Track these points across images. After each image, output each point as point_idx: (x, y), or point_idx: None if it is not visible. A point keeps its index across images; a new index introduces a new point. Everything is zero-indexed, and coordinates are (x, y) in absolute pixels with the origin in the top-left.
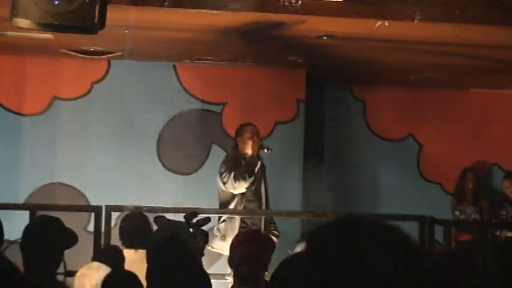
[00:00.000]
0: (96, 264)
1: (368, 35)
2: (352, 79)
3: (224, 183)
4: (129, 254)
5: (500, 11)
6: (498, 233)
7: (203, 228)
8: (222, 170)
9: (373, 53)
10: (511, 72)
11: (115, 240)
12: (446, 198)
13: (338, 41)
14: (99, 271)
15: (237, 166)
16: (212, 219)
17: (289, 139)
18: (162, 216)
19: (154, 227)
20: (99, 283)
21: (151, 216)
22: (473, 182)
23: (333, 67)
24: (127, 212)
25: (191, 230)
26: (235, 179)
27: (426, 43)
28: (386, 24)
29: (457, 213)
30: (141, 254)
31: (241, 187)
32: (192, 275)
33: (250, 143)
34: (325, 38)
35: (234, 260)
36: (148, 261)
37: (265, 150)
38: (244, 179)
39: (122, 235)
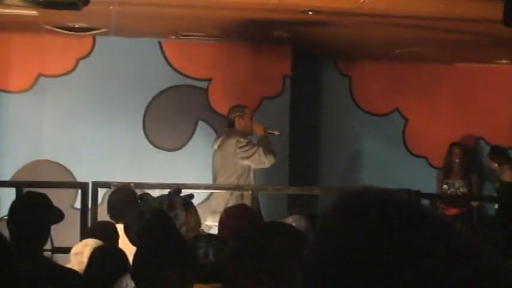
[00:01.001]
0: (91, 241)
1: (353, 10)
2: (338, 54)
3: (248, 157)
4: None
5: None
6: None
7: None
8: (243, 143)
9: (358, 28)
10: (497, 46)
11: (102, 216)
12: (432, 172)
13: (323, 15)
14: None
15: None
16: (198, 195)
17: (275, 114)
18: (147, 193)
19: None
20: None
21: (138, 193)
22: (460, 156)
23: (319, 42)
24: (115, 187)
25: (176, 206)
26: (266, 153)
27: (411, 17)
28: None
29: (445, 186)
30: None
31: (269, 162)
32: (178, 247)
33: (256, 125)
34: (310, 13)
35: (224, 235)
36: (127, 234)
37: (276, 134)
38: (274, 155)
39: (111, 209)
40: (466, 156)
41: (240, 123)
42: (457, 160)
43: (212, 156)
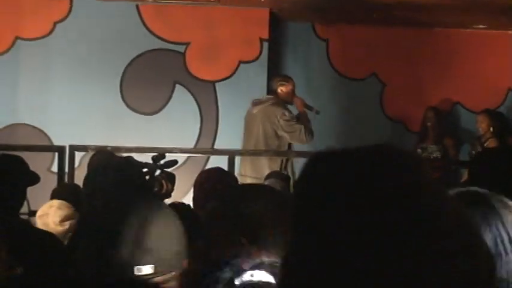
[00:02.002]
0: (56, 202)
1: None
2: (316, 18)
3: (289, 132)
4: None
5: None
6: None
7: (171, 170)
8: (288, 117)
9: None
10: (475, 10)
11: (79, 180)
12: (410, 137)
13: None
14: (61, 208)
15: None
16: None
17: (252, 78)
18: (130, 157)
19: None
20: (62, 220)
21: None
22: (432, 120)
23: (296, 6)
24: (94, 151)
25: (159, 171)
26: (307, 132)
27: None
28: None
29: (419, 151)
30: None
31: (308, 141)
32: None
33: (296, 97)
34: None
35: (199, 197)
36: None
37: (314, 111)
38: (313, 134)
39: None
40: (442, 121)
41: (282, 92)
42: (429, 124)
43: (245, 118)
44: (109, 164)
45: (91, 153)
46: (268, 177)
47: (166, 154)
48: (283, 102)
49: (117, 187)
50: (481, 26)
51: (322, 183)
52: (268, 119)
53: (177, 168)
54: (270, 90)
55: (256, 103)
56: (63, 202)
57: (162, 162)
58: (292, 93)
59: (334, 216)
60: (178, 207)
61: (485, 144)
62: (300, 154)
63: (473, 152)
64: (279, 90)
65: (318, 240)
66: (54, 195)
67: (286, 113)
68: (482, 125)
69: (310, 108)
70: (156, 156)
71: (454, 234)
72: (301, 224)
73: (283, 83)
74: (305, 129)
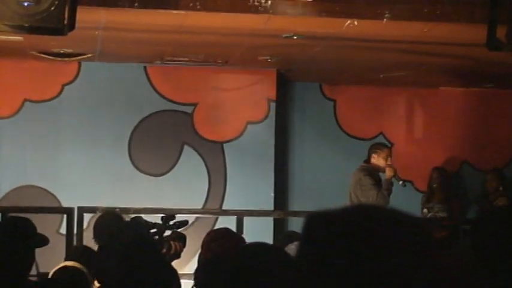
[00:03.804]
0: (69, 263)
1: (337, 34)
2: (323, 78)
3: (363, 196)
4: None
5: (469, 9)
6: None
7: (180, 231)
8: (364, 183)
9: (343, 52)
10: (481, 69)
11: (88, 241)
12: (418, 196)
13: (308, 40)
14: None
15: (377, 183)
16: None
17: (260, 139)
18: (139, 217)
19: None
20: None
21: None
22: (437, 181)
23: (304, 66)
24: (101, 213)
25: (168, 232)
26: (379, 198)
27: (395, 41)
28: (356, 23)
29: (425, 210)
30: None
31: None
32: (154, 270)
33: (389, 168)
34: (295, 37)
35: (206, 257)
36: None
37: (400, 183)
38: (387, 201)
39: (97, 234)
40: (447, 180)
41: (373, 160)
42: (434, 185)
43: None
44: (122, 225)
45: (99, 215)
46: (290, 240)
47: (176, 215)
48: (371, 169)
49: (129, 249)
50: (488, 85)
51: (316, 246)
52: (354, 183)
53: (185, 229)
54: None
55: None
56: (75, 263)
57: (171, 222)
58: (384, 161)
59: (332, 279)
60: None
61: (494, 203)
62: None
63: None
64: (371, 158)
65: None
66: (68, 257)
67: (364, 181)
68: (491, 184)
69: (398, 179)
70: (166, 216)
71: None
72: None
73: (377, 151)
74: (377, 196)
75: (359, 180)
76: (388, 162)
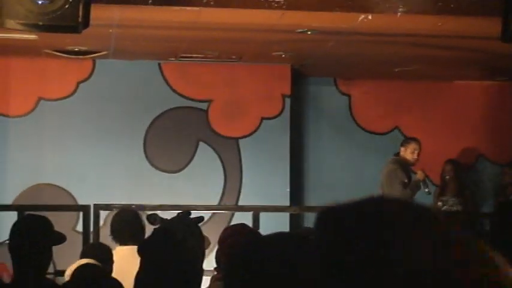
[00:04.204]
0: (85, 261)
1: (351, 29)
2: (337, 73)
3: (390, 188)
4: (121, 250)
5: (483, 2)
6: None
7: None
8: (399, 175)
9: (357, 47)
10: (495, 62)
11: (104, 239)
12: (434, 190)
13: (322, 35)
14: None
15: (407, 180)
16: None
17: (275, 134)
18: (155, 214)
19: (147, 225)
20: None
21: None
22: (450, 173)
23: (318, 61)
24: (117, 210)
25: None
26: (402, 196)
27: (410, 35)
28: (370, 17)
29: (439, 203)
30: (134, 249)
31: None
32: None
33: (420, 172)
34: (309, 32)
35: (223, 253)
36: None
37: (426, 190)
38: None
39: (114, 231)
40: (462, 173)
41: (402, 153)
42: (447, 177)
43: None
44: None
45: (115, 212)
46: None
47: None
48: (402, 162)
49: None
50: (503, 78)
51: (327, 240)
52: (386, 173)
53: (201, 225)
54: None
55: None
56: (91, 261)
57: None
58: (411, 155)
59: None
60: None
61: (510, 196)
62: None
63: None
64: (400, 151)
65: None
66: (83, 255)
67: (397, 173)
68: (507, 177)
69: (425, 185)
70: (182, 213)
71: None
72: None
73: (405, 144)
74: (401, 193)
75: (393, 171)
76: (415, 156)
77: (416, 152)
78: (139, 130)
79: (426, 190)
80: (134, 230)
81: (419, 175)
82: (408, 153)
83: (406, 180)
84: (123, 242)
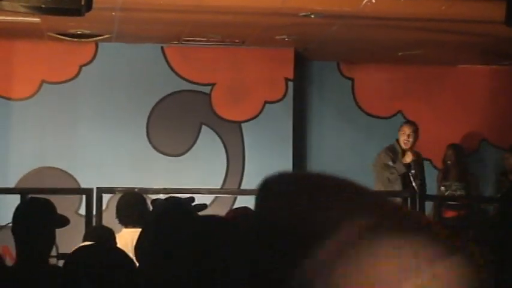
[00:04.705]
0: (88, 244)
1: (355, 13)
2: (340, 57)
3: (374, 171)
4: (126, 232)
5: None
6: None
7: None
8: (378, 159)
9: (360, 31)
10: (499, 47)
11: (107, 222)
12: (437, 174)
13: (325, 19)
14: None
15: (389, 160)
16: (201, 200)
17: (278, 118)
18: (159, 198)
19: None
20: None
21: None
22: (452, 158)
23: (321, 45)
24: (119, 193)
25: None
26: (378, 179)
27: (413, 20)
28: (373, 1)
29: (442, 188)
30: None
31: (380, 187)
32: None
33: (408, 154)
34: (312, 16)
35: None
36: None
37: (411, 172)
38: (389, 182)
39: (119, 213)
40: (463, 158)
41: (399, 137)
42: (449, 162)
43: None
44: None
45: (118, 195)
46: None
47: (195, 196)
48: (392, 147)
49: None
50: (506, 62)
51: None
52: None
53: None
54: None
55: None
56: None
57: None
58: (402, 137)
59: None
60: None
61: None
62: None
63: (502, 188)
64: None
65: None
66: (87, 237)
67: (376, 157)
68: (510, 162)
69: (409, 168)
70: (185, 199)
71: None
72: None
73: (400, 129)
74: (380, 176)
75: (378, 155)
76: (406, 139)
77: (405, 134)
78: (142, 113)
79: (412, 172)
80: (140, 213)
81: (407, 157)
82: (400, 135)
83: (389, 163)
84: (128, 224)
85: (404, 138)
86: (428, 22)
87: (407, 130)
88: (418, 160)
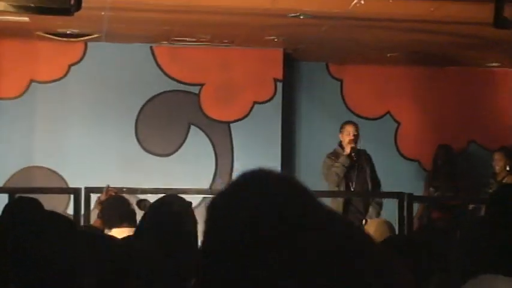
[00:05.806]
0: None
1: (344, 14)
2: (329, 58)
3: (324, 173)
4: (115, 232)
5: None
6: None
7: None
8: (324, 163)
9: (349, 32)
10: (487, 48)
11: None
12: (425, 176)
13: (314, 19)
14: None
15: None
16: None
17: (267, 119)
18: (145, 199)
19: (136, 209)
20: None
21: (131, 198)
22: (442, 158)
23: (310, 46)
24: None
25: None
26: (329, 177)
27: (402, 21)
28: (362, 2)
29: (431, 189)
30: (126, 231)
31: (330, 184)
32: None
33: (347, 145)
34: (301, 17)
35: None
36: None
37: (353, 154)
38: (337, 178)
39: (103, 216)
40: (453, 159)
41: (342, 137)
42: (439, 162)
43: None
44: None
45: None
46: None
47: (183, 196)
48: (335, 150)
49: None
50: (494, 64)
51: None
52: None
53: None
54: None
55: None
56: None
57: None
58: (344, 137)
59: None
60: None
61: (502, 182)
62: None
63: (490, 190)
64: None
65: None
66: None
67: (323, 163)
68: (499, 163)
69: (351, 158)
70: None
71: None
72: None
73: (341, 129)
74: (328, 175)
75: (325, 158)
76: (351, 137)
77: (351, 134)
78: (131, 113)
79: (353, 154)
80: (122, 216)
81: (347, 148)
82: (343, 136)
83: (332, 158)
84: (111, 226)
85: (350, 137)
86: (417, 23)
87: (351, 130)
88: (364, 155)
